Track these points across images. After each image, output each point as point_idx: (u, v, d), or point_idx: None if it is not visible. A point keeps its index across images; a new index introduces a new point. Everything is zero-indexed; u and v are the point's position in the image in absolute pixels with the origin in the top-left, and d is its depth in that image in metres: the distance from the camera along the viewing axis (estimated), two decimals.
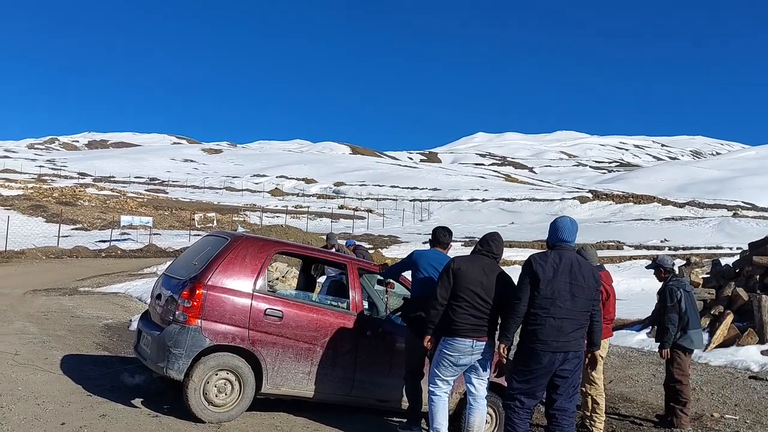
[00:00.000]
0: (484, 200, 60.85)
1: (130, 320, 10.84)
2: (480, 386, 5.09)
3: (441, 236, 5.86)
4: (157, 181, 74.78)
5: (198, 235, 32.06)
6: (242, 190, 71.08)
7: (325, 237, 13.22)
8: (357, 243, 14.13)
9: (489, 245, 5.24)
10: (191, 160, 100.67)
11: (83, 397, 5.87)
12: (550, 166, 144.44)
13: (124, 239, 31.08)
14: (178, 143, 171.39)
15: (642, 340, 11.48)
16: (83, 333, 9.54)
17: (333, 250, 13.25)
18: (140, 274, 18.83)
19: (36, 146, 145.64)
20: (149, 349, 5.68)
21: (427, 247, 5.98)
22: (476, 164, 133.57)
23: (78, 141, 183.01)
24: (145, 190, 62.82)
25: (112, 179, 71.64)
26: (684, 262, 14.29)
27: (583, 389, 6.17)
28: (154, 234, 32.72)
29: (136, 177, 75.99)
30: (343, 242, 13.14)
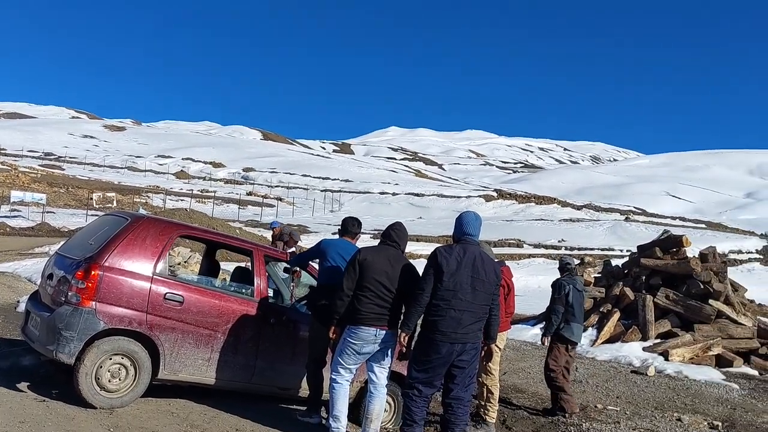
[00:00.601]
0: (394, 194, 61.52)
1: (18, 301, 10.25)
2: (381, 374, 5.18)
3: (350, 226, 5.90)
4: (53, 157, 70.68)
5: (96, 215, 30.63)
6: (145, 170, 68.44)
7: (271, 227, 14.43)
8: (285, 224, 14.51)
9: (391, 235, 5.33)
10: (91, 137, 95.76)
11: None
12: (458, 163, 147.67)
13: (14, 216, 29.26)
14: (78, 117, 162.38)
15: (536, 334, 11.98)
16: None
17: (286, 239, 13.40)
18: (31, 254, 17.82)
19: None
20: (38, 331, 5.40)
21: (337, 237, 6.01)
22: (388, 158, 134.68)
23: None
24: (39, 165, 59.28)
25: (2, 152, 67.08)
26: (578, 261, 15.04)
27: (480, 379, 6.39)
28: (48, 212, 30.99)
29: (29, 150, 71.50)
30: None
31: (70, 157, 70.48)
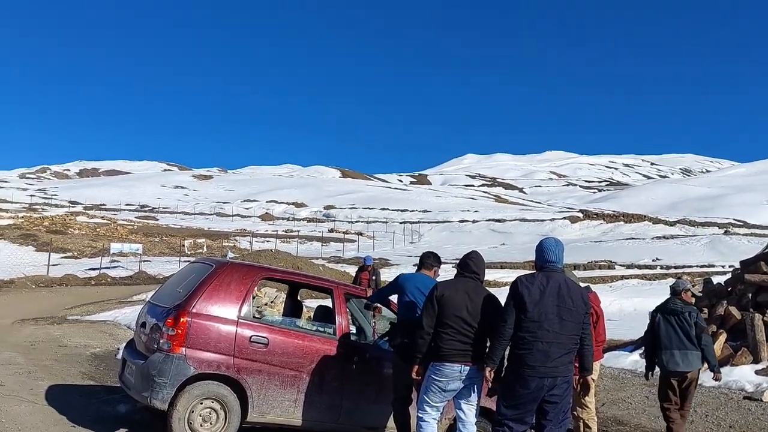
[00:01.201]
0: (474, 221, 60.96)
1: (118, 348, 10.69)
2: (469, 412, 5.01)
3: (427, 260, 5.83)
4: (147, 208, 74.55)
5: (188, 261, 31.90)
6: (233, 215, 70.95)
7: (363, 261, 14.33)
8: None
9: (468, 266, 5.18)
10: (182, 187, 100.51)
11: (67, 428, 5.76)
12: (540, 186, 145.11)
13: (114, 267, 30.87)
14: (169, 170, 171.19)
15: (635, 361, 11.39)
16: (70, 362, 9.41)
17: (369, 271, 13.44)
18: (130, 302, 18.65)
19: (27, 175, 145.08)
20: (133, 379, 5.59)
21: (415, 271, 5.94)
22: (466, 185, 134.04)
23: (69, 170, 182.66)
24: (136, 218, 62.60)
25: (102, 207, 71.38)
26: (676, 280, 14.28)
27: (575, 413, 6.09)
28: (144, 261, 32.53)
29: (126, 204, 75.75)
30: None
31: (163, 208, 74.12)
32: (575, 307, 4.88)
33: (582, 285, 5.59)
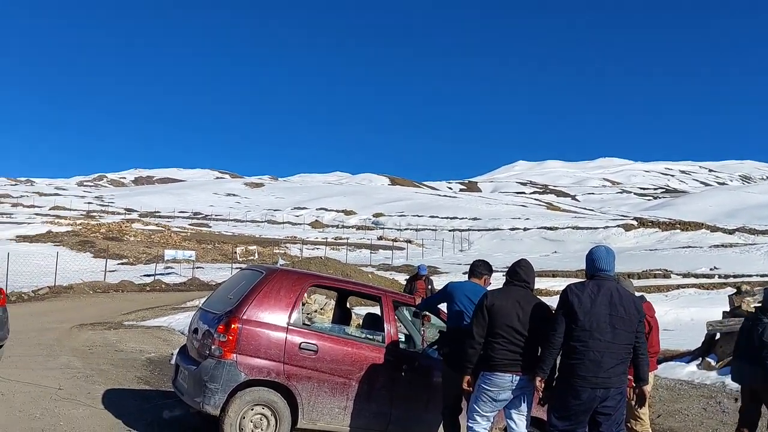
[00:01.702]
0: (525, 229, 60.16)
1: (172, 354, 10.90)
2: (520, 422, 4.93)
3: (477, 268, 5.77)
4: (200, 215, 76.23)
5: (240, 268, 32.43)
6: (283, 222, 71.89)
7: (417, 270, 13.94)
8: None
9: (518, 274, 5.11)
10: (234, 194, 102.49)
11: (123, 431, 5.90)
12: (593, 193, 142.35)
13: (168, 273, 31.60)
14: (221, 178, 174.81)
15: (692, 372, 11.02)
16: (126, 367, 9.65)
17: (424, 280, 13.22)
18: (183, 308, 19.04)
19: (85, 183, 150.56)
20: (186, 384, 5.70)
21: (467, 277, 5.90)
22: (517, 193, 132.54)
23: (125, 177, 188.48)
24: (189, 224, 64.11)
25: (157, 214, 73.40)
26: (735, 290, 13.79)
27: (629, 425, 5.93)
28: (197, 267, 33.20)
29: (180, 212, 77.66)
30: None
31: (216, 215, 75.70)
32: (628, 315, 4.76)
33: (636, 294, 5.44)
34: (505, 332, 4.85)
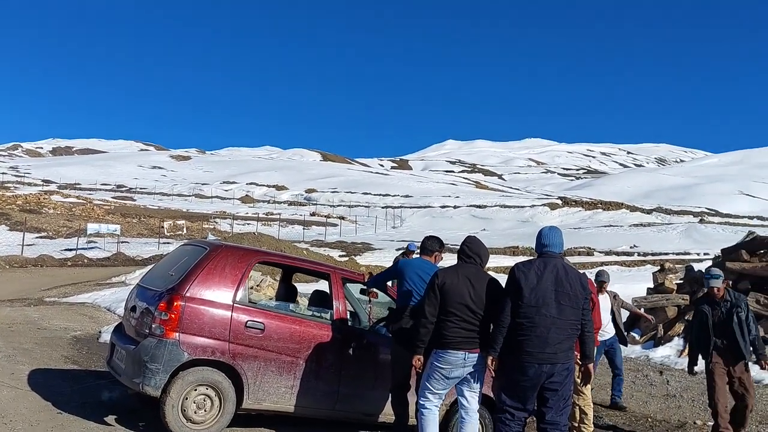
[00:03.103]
0: (455, 207, 61.08)
1: (100, 332, 10.50)
2: (472, 399, 4.95)
3: (428, 245, 5.71)
4: (124, 188, 73.53)
5: (167, 243, 31.53)
6: (212, 197, 70.26)
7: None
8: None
9: (465, 251, 5.09)
10: (159, 167, 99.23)
11: (53, 414, 5.59)
12: (519, 173, 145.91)
13: (91, 247, 30.38)
14: (146, 150, 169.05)
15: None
16: (51, 346, 9.17)
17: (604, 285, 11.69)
18: (108, 284, 18.35)
19: None
20: (124, 364, 5.43)
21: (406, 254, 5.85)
22: (447, 171, 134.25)
23: (42, 147, 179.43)
24: (112, 198, 61.69)
25: (77, 186, 70.20)
26: (658, 268, 14.40)
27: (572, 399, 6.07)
28: (122, 242, 32.06)
29: (102, 184, 74.63)
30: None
31: (141, 188, 73.16)
32: (573, 291, 4.83)
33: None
34: (458, 310, 4.83)
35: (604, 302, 7.92)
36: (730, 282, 8.75)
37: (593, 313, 6.28)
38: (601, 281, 7.98)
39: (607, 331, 8.00)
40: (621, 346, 8.44)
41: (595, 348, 6.54)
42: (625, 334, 9.42)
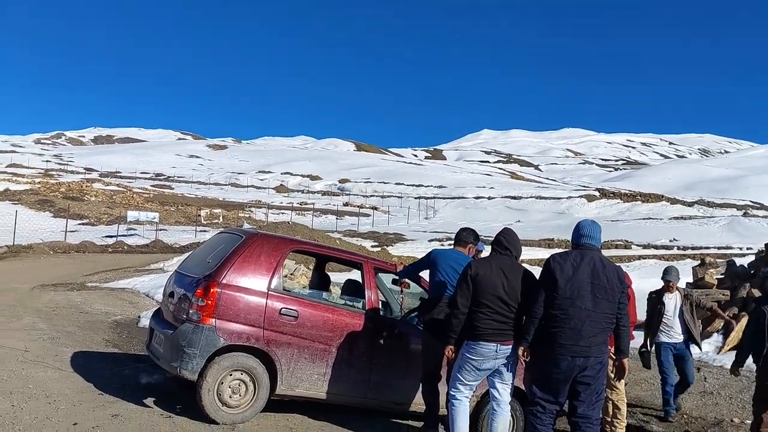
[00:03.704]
0: (490, 198, 60.63)
1: (139, 317, 10.75)
2: (504, 391, 4.95)
3: (463, 236, 5.73)
4: (162, 177, 74.79)
5: (204, 231, 32.05)
6: (247, 186, 71.04)
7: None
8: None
9: (501, 242, 5.09)
10: (196, 156, 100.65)
11: (95, 395, 5.77)
12: (555, 163, 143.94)
13: (131, 234, 31.00)
14: (183, 139, 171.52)
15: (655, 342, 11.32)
16: (92, 329, 9.45)
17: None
18: (147, 270, 18.74)
19: (42, 141, 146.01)
20: (162, 348, 5.57)
21: (435, 245, 5.85)
22: (481, 162, 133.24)
23: (84, 136, 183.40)
24: (151, 186, 62.86)
25: (118, 174, 71.74)
26: (698, 262, 14.12)
27: (605, 394, 6.02)
28: (161, 230, 32.64)
29: (141, 172, 76.05)
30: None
31: (178, 177, 74.33)
32: (610, 285, 4.78)
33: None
34: (490, 302, 4.83)
35: (671, 302, 7.48)
36: None
37: (629, 307, 6.21)
38: (667, 280, 7.46)
39: (674, 334, 7.46)
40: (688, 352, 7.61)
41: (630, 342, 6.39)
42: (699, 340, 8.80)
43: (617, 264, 5.41)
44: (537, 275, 5.02)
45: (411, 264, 6.16)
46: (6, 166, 65.32)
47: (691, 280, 12.83)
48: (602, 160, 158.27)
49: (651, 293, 7.92)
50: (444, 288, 5.38)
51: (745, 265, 13.01)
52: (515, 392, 5.26)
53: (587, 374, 4.73)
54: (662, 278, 7.54)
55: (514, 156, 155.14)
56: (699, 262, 13.86)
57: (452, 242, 5.92)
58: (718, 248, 30.81)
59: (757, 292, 11.19)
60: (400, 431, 5.95)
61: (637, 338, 11.54)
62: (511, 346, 4.84)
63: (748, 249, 28.04)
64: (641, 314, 7.82)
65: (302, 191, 69.45)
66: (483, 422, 5.51)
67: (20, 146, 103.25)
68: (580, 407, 4.80)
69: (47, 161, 78.56)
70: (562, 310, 4.67)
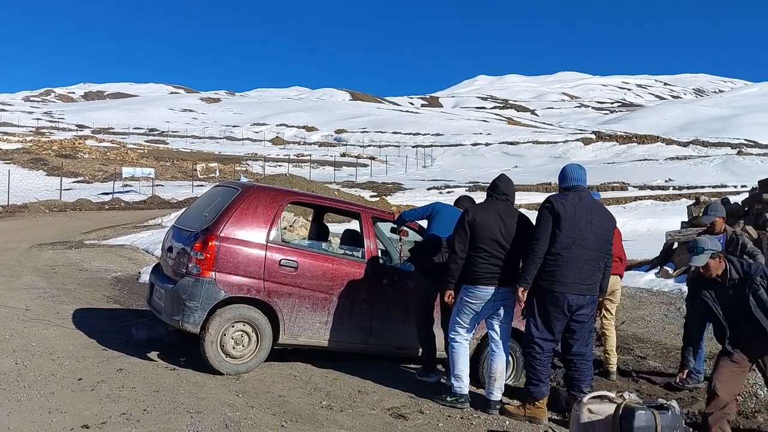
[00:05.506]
0: (487, 144, 60.45)
1: (139, 272, 10.80)
2: (503, 332, 5.03)
3: (461, 203, 5.89)
4: (156, 132, 74.20)
5: (201, 185, 31.93)
6: (243, 139, 70.58)
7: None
8: None
9: (498, 187, 5.11)
10: (190, 110, 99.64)
11: (98, 351, 5.82)
12: (552, 108, 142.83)
13: (127, 191, 30.94)
14: (176, 93, 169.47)
15: (650, 280, 11.42)
16: (93, 286, 9.49)
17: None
18: (145, 226, 18.76)
19: (32, 99, 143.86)
20: (163, 303, 5.61)
21: (434, 193, 5.89)
22: (478, 108, 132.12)
23: (74, 92, 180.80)
24: (145, 141, 62.40)
25: (111, 131, 71.05)
26: (693, 201, 14.17)
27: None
28: (157, 185, 32.56)
29: (135, 128, 75.35)
30: None
31: (173, 132, 73.76)
32: (607, 225, 4.89)
33: None
34: (488, 246, 4.86)
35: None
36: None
37: (614, 243, 6.20)
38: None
39: None
40: (660, 280, 7.54)
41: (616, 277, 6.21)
42: (658, 268, 9.22)
43: (613, 207, 5.46)
44: (533, 219, 5.04)
45: (410, 211, 6.17)
46: None
47: (686, 219, 12.90)
48: (598, 103, 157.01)
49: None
50: (439, 232, 5.47)
51: (739, 203, 13.06)
52: (514, 333, 5.34)
53: (583, 312, 4.83)
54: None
55: (510, 101, 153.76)
56: (694, 201, 13.90)
57: (450, 189, 5.93)
58: (713, 187, 30.97)
59: (751, 230, 11.27)
60: (403, 375, 6.05)
61: (633, 277, 11.71)
62: (508, 289, 4.89)
63: (742, 187, 28.17)
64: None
65: (298, 143, 69.07)
66: (483, 364, 5.61)
67: (8, 104, 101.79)
68: (575, 345, 4.91)
69: (38, 119, 77.67)
70: (566, 248, 4.72)
